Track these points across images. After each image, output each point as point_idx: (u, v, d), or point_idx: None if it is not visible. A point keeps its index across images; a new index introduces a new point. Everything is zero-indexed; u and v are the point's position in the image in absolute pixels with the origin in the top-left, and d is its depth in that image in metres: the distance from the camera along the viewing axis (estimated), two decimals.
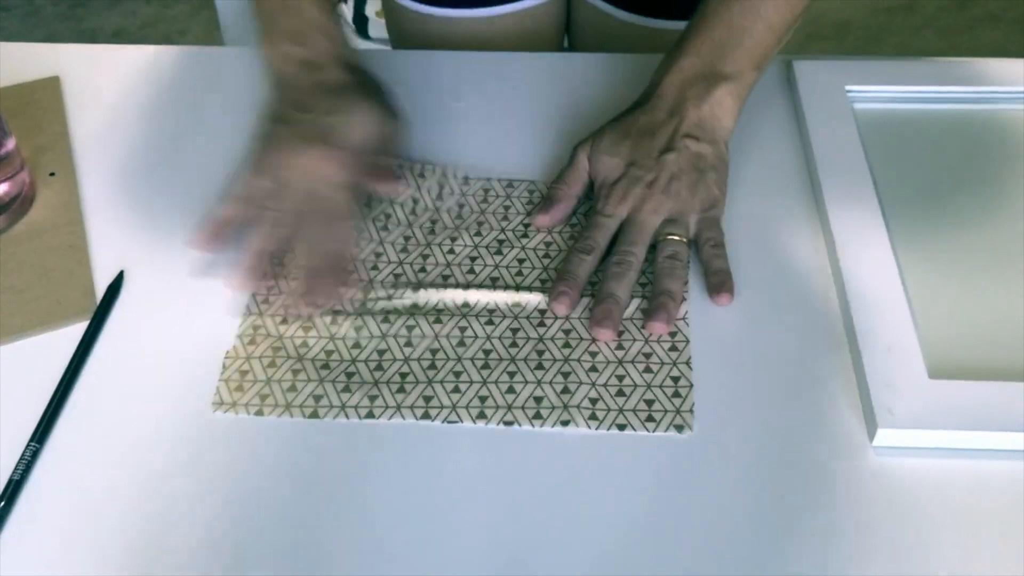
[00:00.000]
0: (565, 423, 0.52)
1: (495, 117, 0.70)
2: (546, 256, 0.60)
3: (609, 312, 0.56)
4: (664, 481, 0.50)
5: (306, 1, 0.63)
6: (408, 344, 0.55)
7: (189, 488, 0.50)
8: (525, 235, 0.62)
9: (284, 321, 0.57)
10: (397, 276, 0.59)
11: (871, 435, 0.51)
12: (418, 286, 0.58)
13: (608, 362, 0.54)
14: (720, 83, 0.62)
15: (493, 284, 0.59)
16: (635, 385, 0.53)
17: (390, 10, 0.90)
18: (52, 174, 0.66)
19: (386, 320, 0.57)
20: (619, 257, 0.58)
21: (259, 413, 0.53)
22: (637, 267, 0.58)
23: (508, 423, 0.52)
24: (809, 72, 0.70)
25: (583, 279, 0.58)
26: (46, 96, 0.72)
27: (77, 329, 0.57)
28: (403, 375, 0.54)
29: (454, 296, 0.58)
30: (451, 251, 0.61)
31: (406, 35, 0.90)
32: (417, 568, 0.47)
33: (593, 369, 0.54)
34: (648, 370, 0.54)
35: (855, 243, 0.59)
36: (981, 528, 0.48)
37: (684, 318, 0.57)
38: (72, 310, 0.58)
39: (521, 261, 0.60)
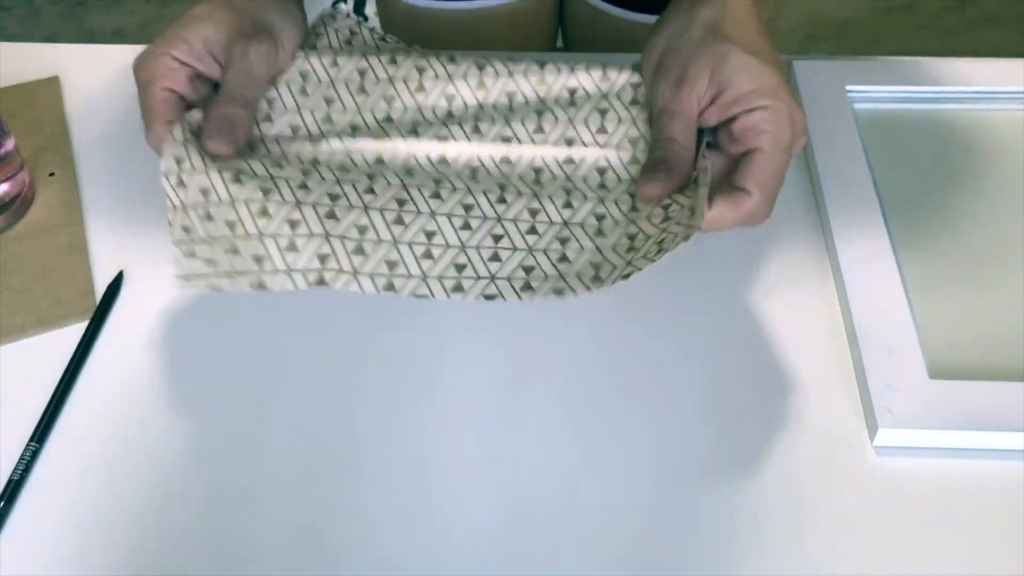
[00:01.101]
0: (559, 291, 0.44)
1: None
2: (541, 82, 0.51)
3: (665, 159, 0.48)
4: (662, 480, 0.50)
5: None
6: (369, 191, 0.44)
7: (189, 488, 0.50)
8: (511, 58, 0.52)
9: (213, 161, 0.46)
10: (355, 128, 0.49)
11: (871, 435, 0.51)
12: (383, 133, 0.48)
13: (616, 223, 0.46)
14: None
15: (477, 124, 0.49)
16: (647, 253, 0.45)
17: (381, 3, 0.90)
18: (52, 174, 0.66)
19: (342, 168, 0.45)
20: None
21: (214, 287, 0.43)
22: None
23: (490, 297, 0.43)
24: (809, 72, 0.70)
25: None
26: (46, 96, 0.72)
27: (77, 329, 0.57)
28: (361, 230, 0.43)
29: (428, 149, 0.48)
30: (420, 88, 0.50)
31: (397, 29, 0.90)
32: (412, 554, 0.47)
33: (600, 233, 0.46)
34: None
35: (855, 243, 0.59)
36: (981, 528, 0.48)
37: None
38: (72, 310, 0.57)
39: (511, 95, 0.51)
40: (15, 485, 0.50)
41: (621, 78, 0.52)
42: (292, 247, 0.42)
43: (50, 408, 0.53)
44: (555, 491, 0.50)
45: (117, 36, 2.09)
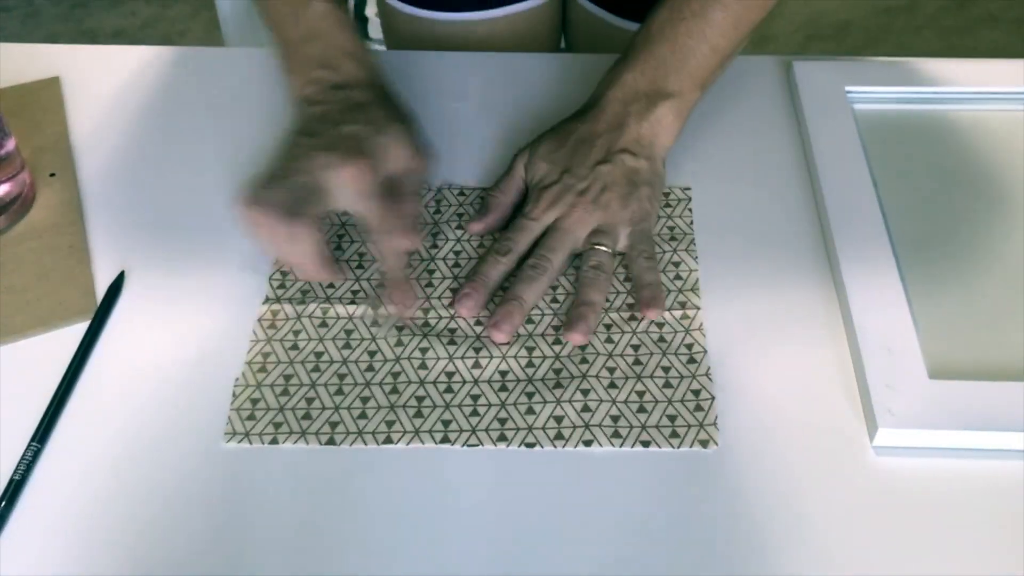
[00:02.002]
0: (588, 443, 0.51)
1: (492, 117, 0.70)
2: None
3: (509, 314, 0.55)
4: (662, 480, 0.50)
5: (335, 28, 0.61)
6: (423, 367, 0.54)
7: (190, 488, 0.50)
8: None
9: (295, 347, 0.56)
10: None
11: (871, 435, 0.51)
12: (427, 302, 0.58)
13: (627, 377, 0.54)
14: (662, 101, 0.62)
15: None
16: (656, 400, 0.53)
17: (383, 13, 0.90)
18: (52, 174, 0.66)
19: (399, 343, 0.56)
20: (535, 260, 0.58)
21: (273, 442, 0.51)
22: (552, 274, 0.58)
23: (530, 445, 0.51)
24: (809, 72, 0.70)
25: (494, 281, 0.57)
26: (46, 96, 0.72)
27: (78, 329, 0.57)
28: (419, 399, 0.53)
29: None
30: (456, 264, 0.60)
31: (399, 38, 0.89)
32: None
33: (612, 386, 0.53)
34: (668, 384, 0.53)
35: (855, 243, 0.59)
36: (981, 528, 0.48)
37: (700, 328, 0.56)
38: (72, 310, 0.58)
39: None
40: (16, 485, 0.50)
41: None
42: (363, 416, 0.53)
43: (51, 408, 0.53)
44: (550, 493, 0.50)
45: (117, 36, 2.09)
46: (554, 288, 0.59)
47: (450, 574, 0.47)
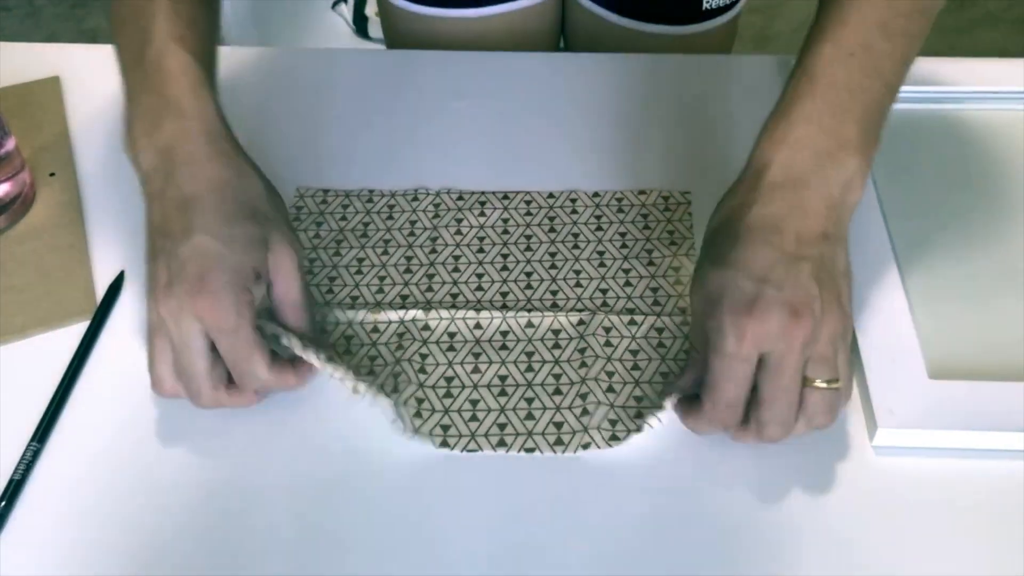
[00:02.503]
0: (586, 446, 0.51)
1: (493, 116, 0.70)
2: (552, 267, 0.60)
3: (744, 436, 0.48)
4: (662, 481, 0.50)
5: (173, 59, 0.51)
6: (422, 371, 0.54)
7: (189, 488, 0.50)
8: (528, 248, 0.61)
9: None
10: (404, 298, 0.58)
11: (871, 435, 0.51)
12: (428, 306, 0.58)
13: (625, 383, 0.54)
14: (848, 159, 0.48)
15: (504, 299, 0.58)
16: (652, 405, 0.52)
17: (383, 10, 0.90)
18: (52, 174, 0.66)
19: (400, 347, 0.55)
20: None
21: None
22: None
23: (529, 450, 0.51)
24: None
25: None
26: (46, 96, 0.72)
27: (78, 329, 0.57)
28: (419, 401, 0.53)
29: (465, 317, 0.57)
30: (456, 269, 0.60)
31: (399, 35, 0.89)
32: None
33: (611, 390, 0.53)
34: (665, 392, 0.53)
35: (855, 243, 0.58)
36: (981, 528, 0.48)
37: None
38: (72, 310, 0.58)
39: (529, 274, 0.59)
40: (16, 485, 0.50)
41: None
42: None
43: (51, 408, 0.53)
44: (551, 496, 0.50)
45: None
46: (554, 292, 0.58)
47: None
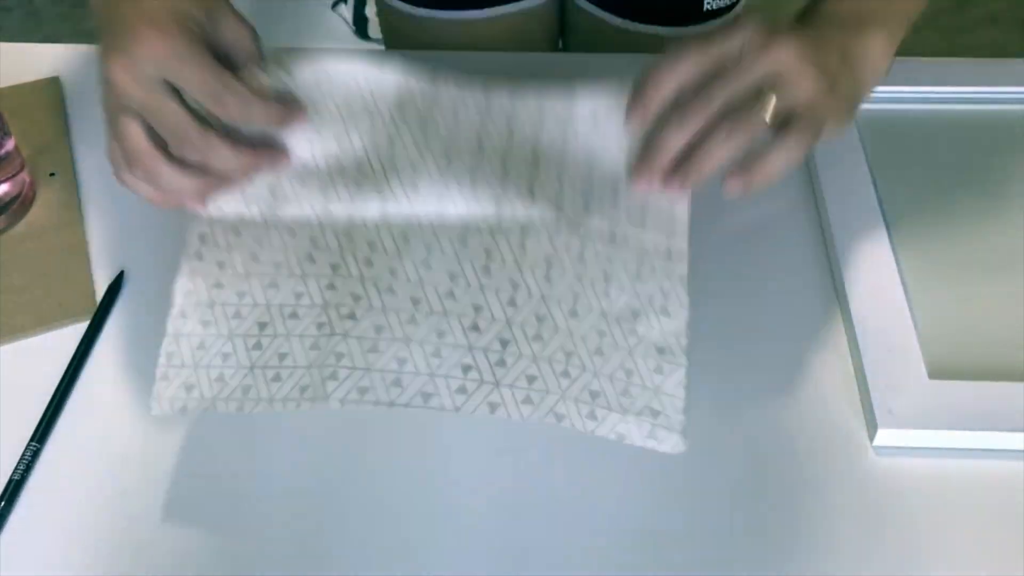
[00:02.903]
0: (560, 417, 0.46)
1: None
2: (534, 164, 0.53)
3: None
4: (663, 481, 0.50)
5: None
6: (351, 317, 0.47)
7: (190, 488, 0.50)
8: (511, 136, 0.54)
9: (218, 285, 0.50)
10: (360, 166, 0.52)
11: (871, 435, 0.51)
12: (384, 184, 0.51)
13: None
14: (869, 29, 0.53)
15: (473, 181, 0.51)
16: (625, 368, 0.47)
17: (382, 12, 0.90)
18: (52, 174, 0.66)
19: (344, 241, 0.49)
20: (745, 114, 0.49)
21: (183, 409, 0.47)
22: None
23: (494, 405, 0.45)
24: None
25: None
26: (46, 96, 0.72)
27: (77, 329, 0.57)
28: (338, 356, 0.47)
29: (426, 204, 0.51)
30: (423, 137, 0.53)
31: (398, 37, 0.90)
32: (406, 565, 0.47)
33: (599, 352, 0.48)
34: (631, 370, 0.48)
35: (855, 243, 0.59)
36: (981, 528, 0.48)
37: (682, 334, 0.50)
38: (72, 310, 0.57)
39: (505, 161, 0.53)
40: (16, 485, 0.50)
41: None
42: (277, 378, 0.46)
43: (51, 408, 0.53)
44: (554, 493, 0.50)
45: None
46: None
47: (420, 547, 0.47)
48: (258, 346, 0.48)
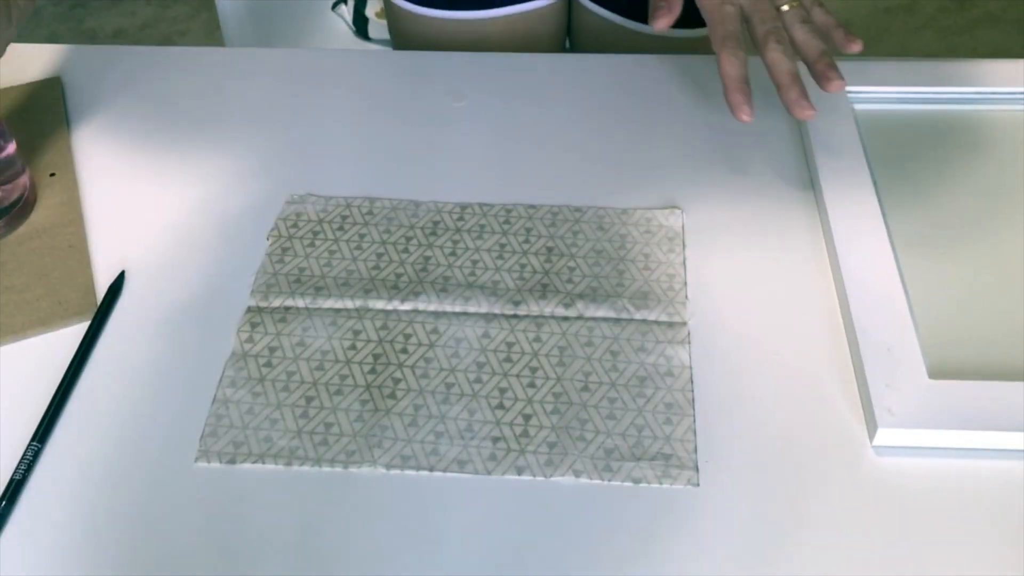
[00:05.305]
0: (579, 474, 0.50)
1: (495, 118, 0.70)
2: (547, 261, 0.59)
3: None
4: (663, 483, 0.50)
5: None
6: (392, 396, 0.53)
7: (190, 488, 0.50)
8: (527, 240, 0.61)
9: (268, 364, 0.55)
10: (399, 275, 0.59)
11: (871, 435, 0.51)
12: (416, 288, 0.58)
13: (601, 382, 0.53)
14: None
15: (494, 288, 0.58)
16: (627, 408, 0.52)
17: (390, 12, 0.90)
18: (52, 174, 0.66)
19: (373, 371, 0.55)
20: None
21: (231, 462, 0.51)
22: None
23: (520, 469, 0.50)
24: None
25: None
26: (46, 96, 0.72)
27: (78, 329, 0.57)
28: (416, 407, 0.52)
29: (452, 305, 0.57)
30: (453, 253, 0.60)
31: (405, 37, 0.90)
32: None
33: (584, 390, 0.53)
34: (641, 395, 0.53)
35: (855, 243, 0.59)
36: (981, 528, 0.48)
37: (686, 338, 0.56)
38: (73, 310, 0.58)
39: (523, 266, 0.59)
40: (16, 485, 0.50)
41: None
42: (324, 443, 0.52)
43: (51, 408, 0.53)
44: (552, 499, 0.50)
45: (117, 36, 2.09)
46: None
47: None
48: (305, 415, 0.53)
